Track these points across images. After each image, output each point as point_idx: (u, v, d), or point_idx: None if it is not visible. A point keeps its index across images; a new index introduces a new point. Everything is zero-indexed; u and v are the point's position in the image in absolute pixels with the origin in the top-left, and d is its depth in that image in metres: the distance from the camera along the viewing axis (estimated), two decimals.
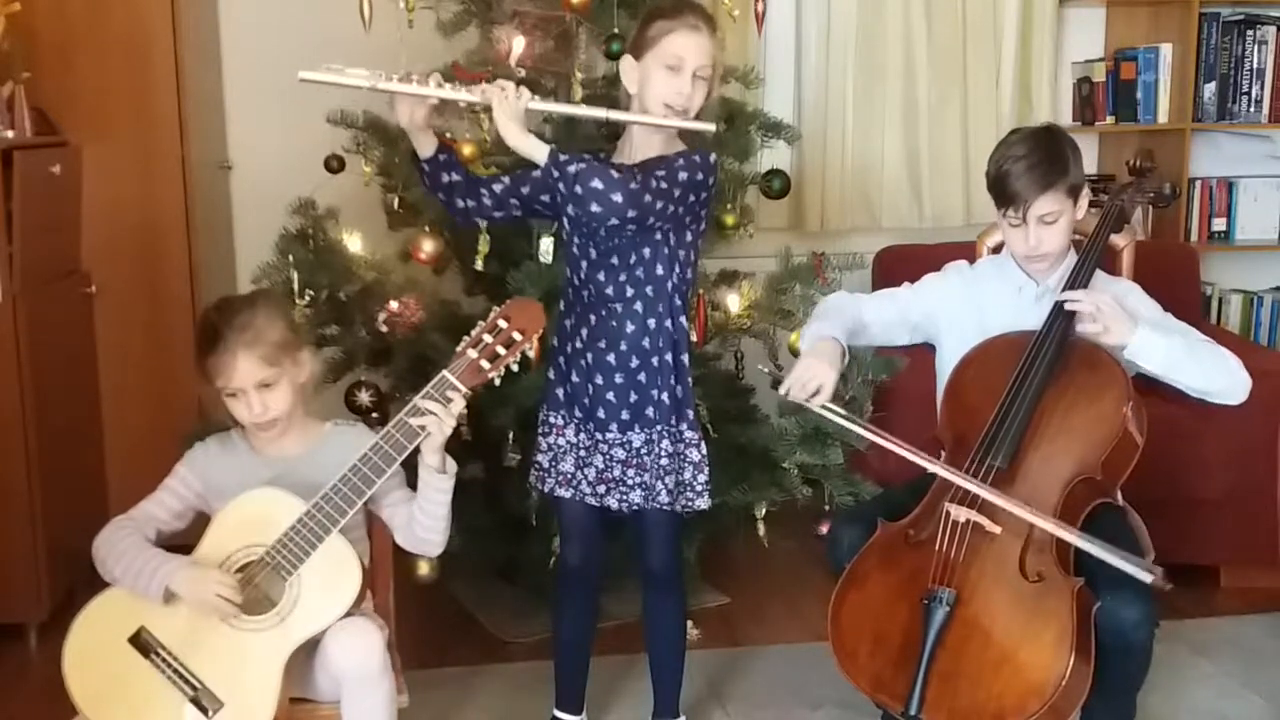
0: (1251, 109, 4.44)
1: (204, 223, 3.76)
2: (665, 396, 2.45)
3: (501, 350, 2.18)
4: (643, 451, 2.47)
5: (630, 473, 2.48)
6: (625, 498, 2.49)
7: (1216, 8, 4.36)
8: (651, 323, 2.44)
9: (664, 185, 2.32)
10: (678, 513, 2.51)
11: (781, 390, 2.39)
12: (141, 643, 2.12)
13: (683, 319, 2.47)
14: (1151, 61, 4.40)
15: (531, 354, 2.26)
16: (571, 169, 2.25)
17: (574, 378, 2.49)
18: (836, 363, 2.39)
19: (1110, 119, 4.46)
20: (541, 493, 2.59)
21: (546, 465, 2.55)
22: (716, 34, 2.42)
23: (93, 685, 2.12)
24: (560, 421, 2.53)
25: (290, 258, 3.12)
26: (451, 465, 2.24)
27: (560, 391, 2.53)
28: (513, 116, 2.27)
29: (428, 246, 3.07)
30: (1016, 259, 2.52)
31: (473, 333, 2.20)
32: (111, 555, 2.15)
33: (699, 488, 2.50)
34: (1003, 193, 2.42)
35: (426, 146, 2.43)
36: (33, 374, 3.14)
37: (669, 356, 2.45)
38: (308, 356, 2.30)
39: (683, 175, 2.35)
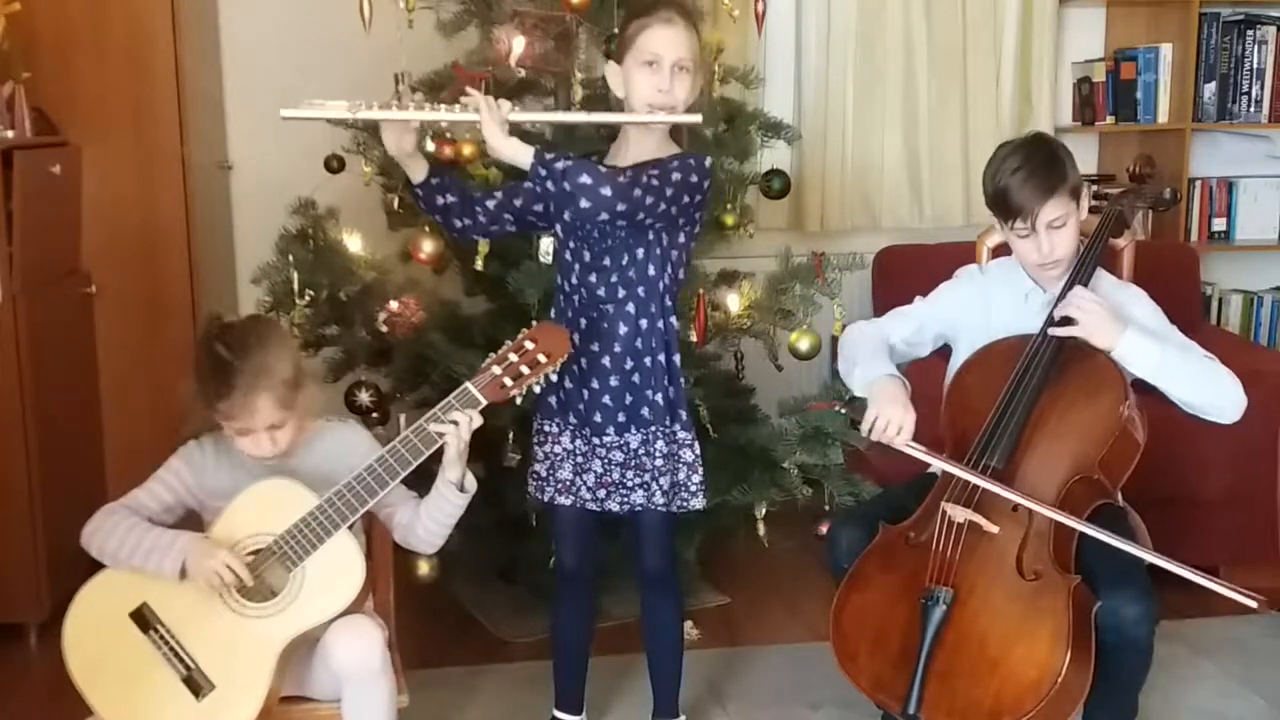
0: (1251, 109, 4.44)
1: (204, 223, 3.76)
2: (659, 397, 2.45)
3: (525, 370, 2.21)
4: (641, 452, 2.46)
5: (630, 474, 2.47)
6: (626, 499, 2.49)
7: (1216, 8, 4.36)
8: (644, 323, 2.43)
9: (655, 183, 2.31)
10: (673, 513, 2.51)
11: (864, 431, 2.40)
12: (142, 618, 2.14)
13: (673, 320, 2.46)
14: (1151, 61, 4.40)
15: (554, 378, 2.30)
16: (559, 165, 2.25)
17: (567, 383, 2.49)
18: (905, 400, 2.40)
19: (1110, 119, 4.46)
20: (541, 501, 2.58)
21: (544, 474, 2.55)
22: (696, 25, 2.41)
23: (89, 654, 2.14)
24: (555, 429, 2.52)
25: (290, 258, 3.12)
26: (471, 483, 2.26)
27: (553, 399, 2.51)
28: (498, 124, 2.26)
29: (428, 246, 3.07)
30: (1028, 268, 2.53)
31: (499, 350, 2.22)
32: (112, 537, 2.14)
33: (694, 488, 2.49)
34: (1007, 207, 2.42)
35: (418, 171, 2.43)
36: (33, 374, 3.14)
37: (661, 357, 2.45)
38: (313, 390, 2.29)
39: (676, 175, 2.34)
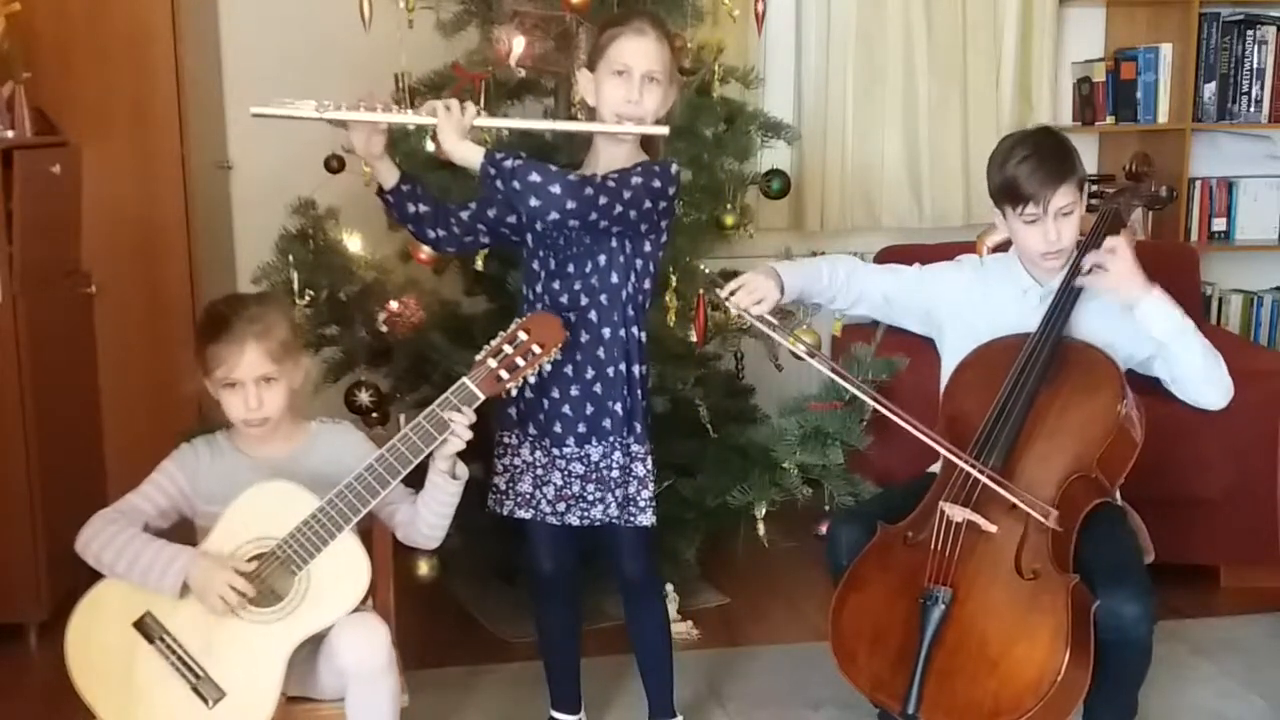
0: (1251, 109, 4.45)
1: (204, 223, 3.77)
2: (619, 408, 2.41)
3: (520, 362, 2.21)
4: (601, 465, 2.43)
5: (590, 488, 2.44)
6: (586, 514, 2.45)
7: (1216, 8, 4.37)
8: (606, 332, 2.40)
9: (612, 185, 2.30)
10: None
11: (724, 294, 2.43)
12: (146, 627, 2.12)
13: (636, 329, 2.43)
14: (1151, 61, 4.41)
15: (549, 368, 2.29)
16: (508, 165, 2.24)
17: (527, 394, 2.44)
18: (777, 282, 2.44)
19: (1110, 119, 4.47)
20: (501, 515, 2.54)
21: (504, 487, 2.51)
22: (669, 38, 2.40)
23: (94, 667, 2.12)
24: (515, 441, 2.49)
25: (290, 258, 3.12)
26: (463, 471, 2.25)
27: (513, 410, 2.48)
28: (454, 129, 2.26)
29: (427, 247, 3.07)
30: (1027, 260, 2.52)
31: (493, 343, 2.21)
32: (109, 549, 2.12)
33: (642, 503, 2.44)
34: (1017, 194, 2.42)
35: (389, 177, 2.41)
36: (33, 374, 3.14)
37: (622, 367, 2.41)
38: (305, 361, 2.32)
39: (636, 180, 2.32)
